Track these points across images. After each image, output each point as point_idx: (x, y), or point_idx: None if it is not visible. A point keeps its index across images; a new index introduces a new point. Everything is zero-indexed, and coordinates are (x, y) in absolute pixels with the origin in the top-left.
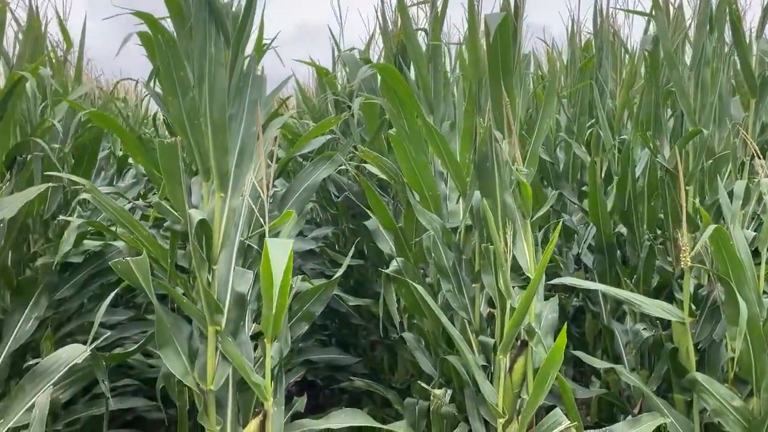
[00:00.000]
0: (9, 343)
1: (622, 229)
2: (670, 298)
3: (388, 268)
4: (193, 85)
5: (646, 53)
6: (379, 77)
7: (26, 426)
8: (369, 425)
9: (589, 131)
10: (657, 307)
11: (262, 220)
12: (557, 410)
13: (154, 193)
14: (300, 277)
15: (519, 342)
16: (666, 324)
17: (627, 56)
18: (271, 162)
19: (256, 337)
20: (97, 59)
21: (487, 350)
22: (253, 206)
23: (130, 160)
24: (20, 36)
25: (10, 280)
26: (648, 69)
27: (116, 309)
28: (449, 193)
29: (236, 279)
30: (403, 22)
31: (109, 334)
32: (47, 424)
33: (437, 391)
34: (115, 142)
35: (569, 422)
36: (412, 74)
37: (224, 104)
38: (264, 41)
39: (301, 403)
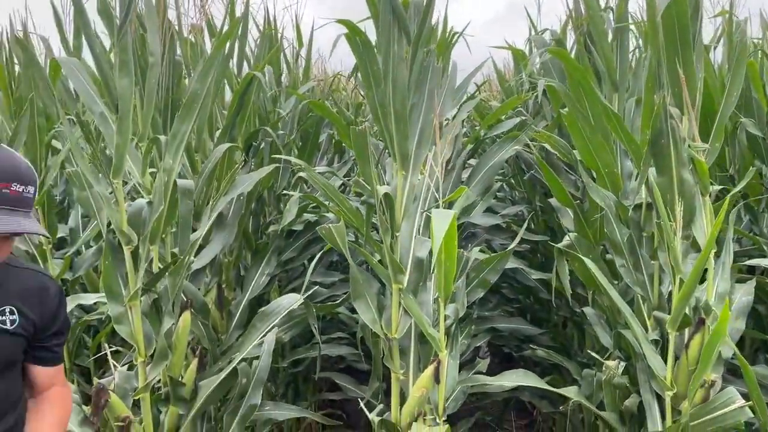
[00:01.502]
0: (248, 292)
1: None
2: None
3: None
4: (382, 78)
5: None
6: None
7: (257, 357)
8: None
9: None
10: None
11: (437, 194)
12: (730, 389)
13: None
14: (478, 248)
15: (697, 319)
16: None
17: None
18: (458, 143)
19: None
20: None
21: (662, 326)
22: (430, 183)
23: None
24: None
25: (250, 243)
26: None
27: (332, 271)
28: (634, 170)
29: (417, 245)
30: (586, 1)
31: (323, 291)
32: (277, 360)
33: (610, 363)
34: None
35: (743, 402)
36: None
37: (405, 96)
38: (455, 31)
39: (483, 364)
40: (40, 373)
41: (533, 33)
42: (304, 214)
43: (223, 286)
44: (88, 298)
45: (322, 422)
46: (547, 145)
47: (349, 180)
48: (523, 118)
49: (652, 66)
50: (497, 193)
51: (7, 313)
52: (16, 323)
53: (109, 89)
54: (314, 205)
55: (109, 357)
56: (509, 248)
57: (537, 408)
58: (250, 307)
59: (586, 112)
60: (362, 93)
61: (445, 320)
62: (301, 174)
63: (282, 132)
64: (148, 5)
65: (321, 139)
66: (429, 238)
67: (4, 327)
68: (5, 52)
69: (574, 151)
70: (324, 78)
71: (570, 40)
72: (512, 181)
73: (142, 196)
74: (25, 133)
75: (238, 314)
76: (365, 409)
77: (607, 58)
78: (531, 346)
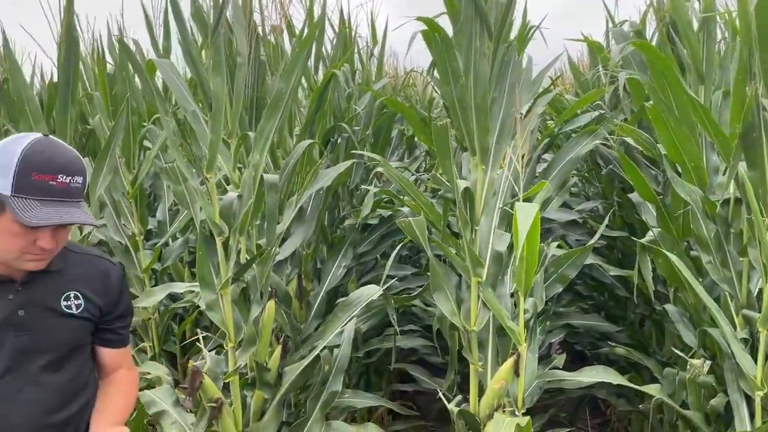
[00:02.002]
0: (326, 284)
1: None
2: None
3: None
4: (462, 74)
5: None
6: None
7: (337, 346)
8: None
9: None
10: None
11: (517, 188)
12: None
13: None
14: (556, 243)
15: None
16: None
17: None
18: (534, 137)
19: (516, 294)
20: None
21: (751, 324)
22: (510, 178)
23: (416, 140)
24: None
25: (326, 237)
26: None
27: (403, 265)
28: (721, 165)
29: (495, 239)
30: None
31: (396, 284)
32: (352, 350)
33: (695, 361)
34: (407, 123)
35: None
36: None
37: (486, 90)
38: (530, 25)
39: (560, 359)
40: (107, 354)
41: (610, 24)
42: (378, 209)
43: (302, 277)
44: (179, 287)
45: (400, 412)
46: (629, 140)
47: (420, 175)
48: (601, 111)
49: (742, 57)
50: (571, 189)
51: (72, 298)
52: (82, 307)
53: (203, 89)
54: (387, 199)
55: (201, 342)
56: (589, 243)
57: (611, 407)
58: (327, 297)
59: (670, 104)
60: (435, 89)
61: (524, 314)
62: (378, 169)
63: (357, 128)
64: (236, 8)
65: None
66: (506, 231)
67: (71, 311)
68: (98, 53)
69: (657, 145)
70: (395, 75)
71: (649, 30)
72: (586, 176)
73: (225, 190)
74: (122, 132)
75: (316, 304)
76: (444, 400)
77: (693, 49)
78: (609, 343)
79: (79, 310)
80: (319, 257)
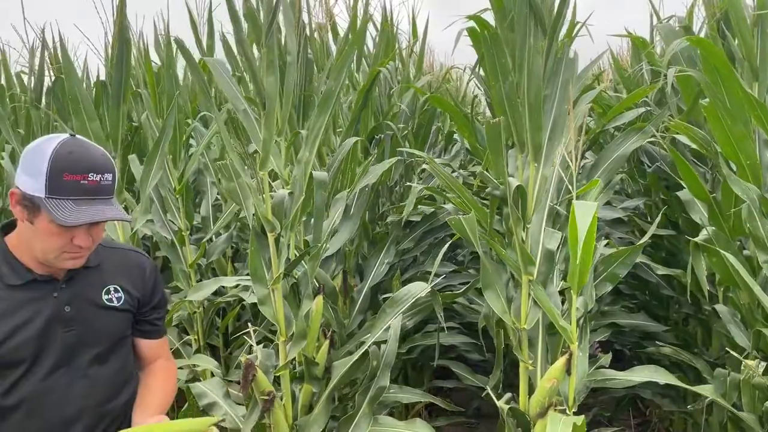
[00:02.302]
0: (368, 280)
1: None
2: None
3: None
4: (512, 70)
5: None
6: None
7: (384, 341)
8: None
9: None
10: None
11: (570, 187)
12: None
13: (474, 165)
14: (606, 241)
15: None
16: None
17: None
18: (582, 134)
19: (562, 293)
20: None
21: None
22: (563, 175)
23: (456, 136)
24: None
25: (368, 233)
26: None
27: (443, 262)
28: None
29: (546, 237)
30: None
31: (438, 281)
32: None
33: (750, 362)
34: (444, 120)
35: None
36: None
37: (540, 87)
38: (577, 21)
39: (606, 359)
40: (146, 345)
41: (655, 20)
42: (419, 206)
43: (347, 273)
44: (228, 281)
45: (446, 408)
46: (683, 137)
47: (462, 171)
48: (648, 108)
49: None
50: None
51: (113, 291)
52: (122, 300)
53: (257, 88)
54: (428, 196)
55: (252, 336)
56: (641, 242)
57: (650, 407)
58: (371, 293)
59: (724, 100)
60: (479, 86)
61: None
62: (424, 167)
63: (402, 125)
64: (285, 8)
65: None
66: (556, 229)
67: (112, 304)
68: (142, 52)
69: (711, 142)
70: (431, 71)
71: (696, 25)
72: (628, 174)
73: (271, 187)
74: (171, 129)
75: (360, 300)
76: (493, 397)
77: (747, 44)
78: (657, 342)
79: (120, 303)
80: (360, 254)
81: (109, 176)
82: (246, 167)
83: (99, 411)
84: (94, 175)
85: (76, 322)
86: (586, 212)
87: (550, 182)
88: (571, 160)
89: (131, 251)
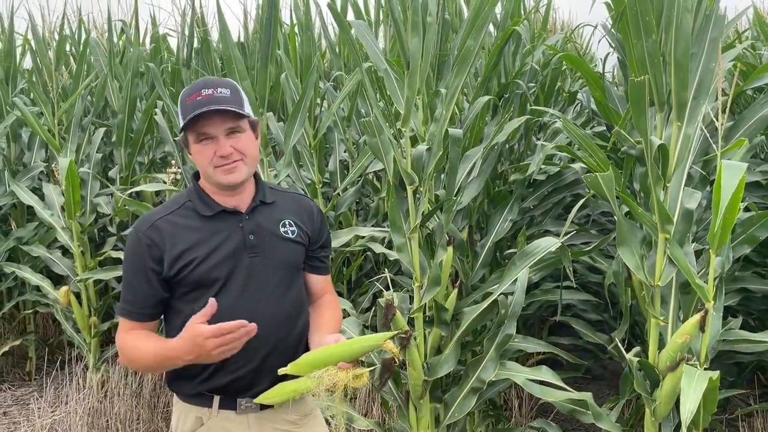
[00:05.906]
0: (492, 236)
1: None
2: None
3: None
4: (656, 28)
5: None
6: None
7: (511, 293)
8: None
9: None
10: None
11: (714, 146)
12: None
13: (592, 126)
14: (745, 203)
15: None
16: None
17: None
18: (730, 93)
19: (699, 253)
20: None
21: None
22: (707, 134)
23: (580, 95)
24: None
25: (489, 191)
26: None
27: (563, 221)
28: None
29: (685, 197)
30: None
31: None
32: None
33: None
34: (564, 80)
35: None
36: None
37: (688, 45)
38: None
39: (736, 323)
40: (315, 280)
41: None
42: (543, 165)
43: (472, 227)
44: (363, 231)
45: (571, 360)
46: None
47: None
48: None
49: None
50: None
51: (288, 225)
52: (296, 233)
53: (402, 48)
54: (550, 155)
55: (389, 281)
56: None
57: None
58: (493, 249)
59: None
60: (612, 43)
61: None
62: (557, 125)
63: (532, 84)
64: None
65: None
66: (695, 189)
67: (288, 236)
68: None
69: None
70: (553, 29)
71: None
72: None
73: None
74: (311, 89)
75: (482, 254)
76: (621, 349)
77: None
78: None
79: (294, 235)
80: (481, 210)
81: (224, 90)
82: (387, 124)
83: (281, 332)
84: (207, 90)
85: (260, 249)
86: (734, 173)
87: (692, 141)
88: (717, 120)
89: (299, 195)
